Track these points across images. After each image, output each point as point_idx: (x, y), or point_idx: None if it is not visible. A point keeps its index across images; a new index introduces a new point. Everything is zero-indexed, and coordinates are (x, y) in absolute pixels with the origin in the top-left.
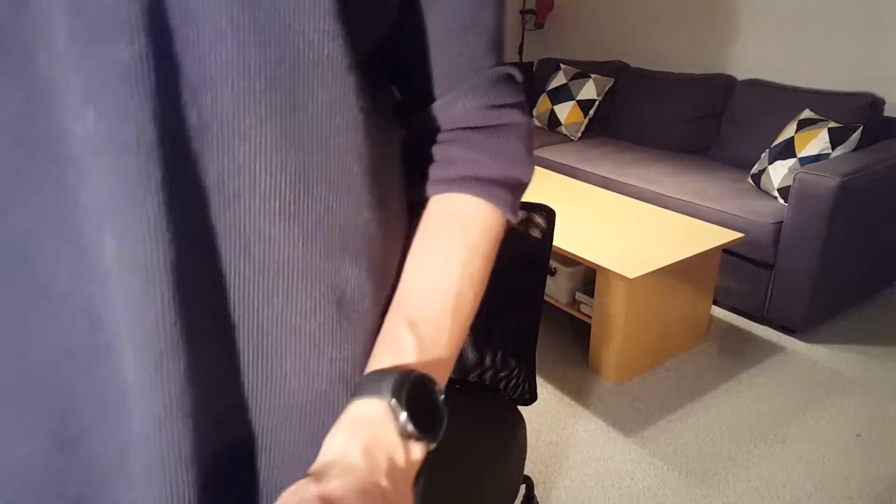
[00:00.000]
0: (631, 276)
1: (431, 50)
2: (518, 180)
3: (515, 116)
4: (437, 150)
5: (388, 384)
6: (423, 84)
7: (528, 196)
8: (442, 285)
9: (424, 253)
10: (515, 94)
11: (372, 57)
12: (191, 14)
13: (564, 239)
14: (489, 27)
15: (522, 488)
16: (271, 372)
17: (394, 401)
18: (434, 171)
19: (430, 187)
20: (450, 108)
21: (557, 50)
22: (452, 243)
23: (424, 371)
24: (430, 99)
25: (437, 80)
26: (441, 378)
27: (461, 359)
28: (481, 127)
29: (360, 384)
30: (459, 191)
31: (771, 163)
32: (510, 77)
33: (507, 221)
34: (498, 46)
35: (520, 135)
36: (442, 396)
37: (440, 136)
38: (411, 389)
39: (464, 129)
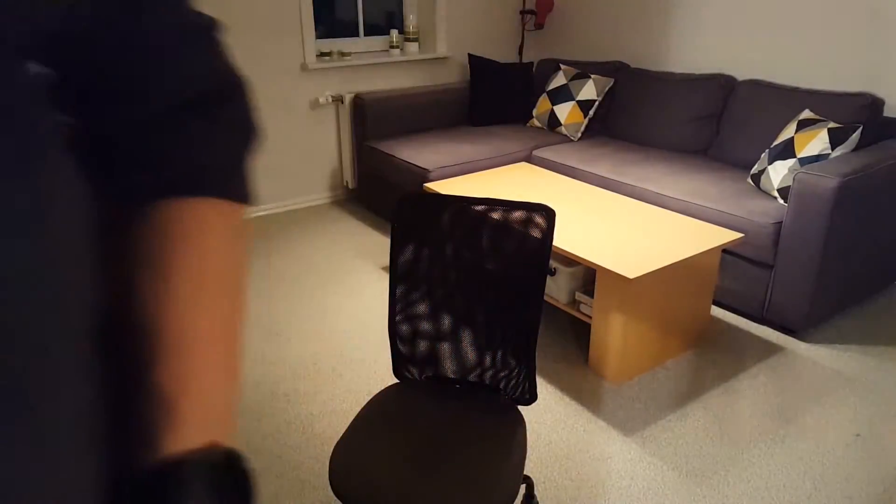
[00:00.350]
0: (631, 276)
1: (124, 44)
2: (242, 155)
3: (227, 81)
4: (140, 146)
5: (187, 492)
6: (114, 79)
7: (529, 196)
8: (208, 326)
9: (170, 297)
10: (219, 52)
11: None
12: None
13: (564, 239)
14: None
15: (522, 488)
16: None
17: None
18: (143, 177)
19: (142, 198)
20: (146, 90)
21: (557, 50)
22: (199, 270)
23: (214, 442)
24: (124, 87)
25: (129, 70)
26: (229, 430)
27: (461, 359)
28: (187, 105)
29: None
30: (181, 195)
31: (771, 163)
32: (210, 35)
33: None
34: (190, 13)
35: (232, 98)
36: (242, 462)
37: (139, 128)
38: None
39: (167, 111)
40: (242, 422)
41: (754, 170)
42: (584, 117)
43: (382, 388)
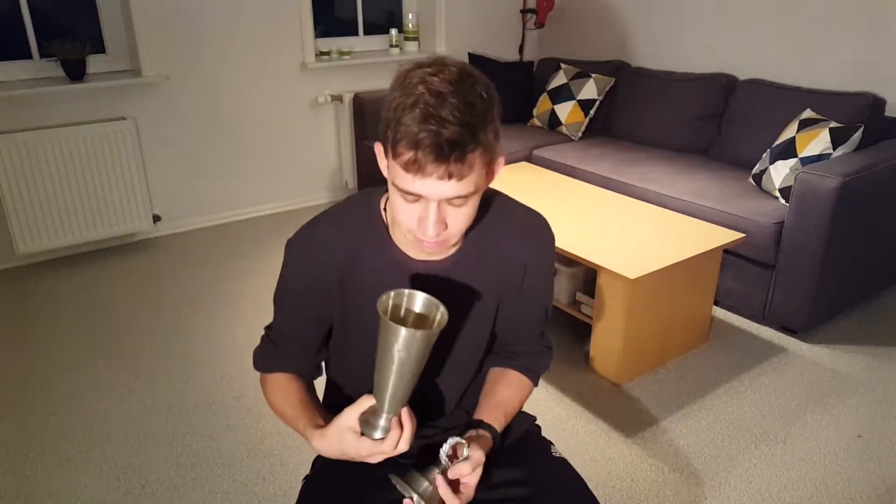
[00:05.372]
0: (632, 276)
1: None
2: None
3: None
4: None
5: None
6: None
7: (529, 196)
8: (503, 402)
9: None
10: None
11: None
12: None
13: (565, 239)
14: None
15: None
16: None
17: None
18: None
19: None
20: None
21: (558, 49)
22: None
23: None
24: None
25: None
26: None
27: None
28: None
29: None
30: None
31: (772, 163)
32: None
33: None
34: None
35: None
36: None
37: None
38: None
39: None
40: (242, 422)
41: (756, 169)
42: (585, 117)
43: None
